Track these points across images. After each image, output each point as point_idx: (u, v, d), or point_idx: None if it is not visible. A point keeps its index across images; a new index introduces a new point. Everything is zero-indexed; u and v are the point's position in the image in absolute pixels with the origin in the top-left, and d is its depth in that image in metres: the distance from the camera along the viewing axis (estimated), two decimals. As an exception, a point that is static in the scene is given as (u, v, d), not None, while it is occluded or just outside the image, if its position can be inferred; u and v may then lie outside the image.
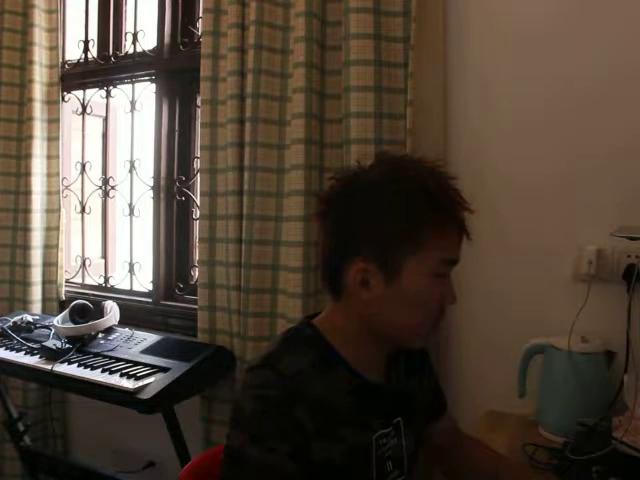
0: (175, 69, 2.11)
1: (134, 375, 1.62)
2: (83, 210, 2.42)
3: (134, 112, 2.26)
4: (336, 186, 0.90)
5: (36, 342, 1.89)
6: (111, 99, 2.35)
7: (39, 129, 2.23)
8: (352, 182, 0.89)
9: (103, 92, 2.34)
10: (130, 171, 2.27)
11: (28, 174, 2.23)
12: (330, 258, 0.90)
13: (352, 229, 0.86)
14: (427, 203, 0.83)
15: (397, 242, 0.83)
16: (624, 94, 1.37)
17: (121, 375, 1.63)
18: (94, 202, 2.43)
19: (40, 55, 2.22)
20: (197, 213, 2.00)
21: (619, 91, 1.38)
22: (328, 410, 0.83)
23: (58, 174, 2.30)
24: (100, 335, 1.92)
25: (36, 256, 2.25)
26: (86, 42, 2.35)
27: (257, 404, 0.80)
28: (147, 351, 1.80)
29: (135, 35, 2.21)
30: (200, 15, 1.99)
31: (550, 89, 1.45)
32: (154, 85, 2.15)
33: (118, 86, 2.31)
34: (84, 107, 2.39)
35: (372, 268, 0.84)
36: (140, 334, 1.93)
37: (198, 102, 1.99)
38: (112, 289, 2.36)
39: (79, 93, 2.40)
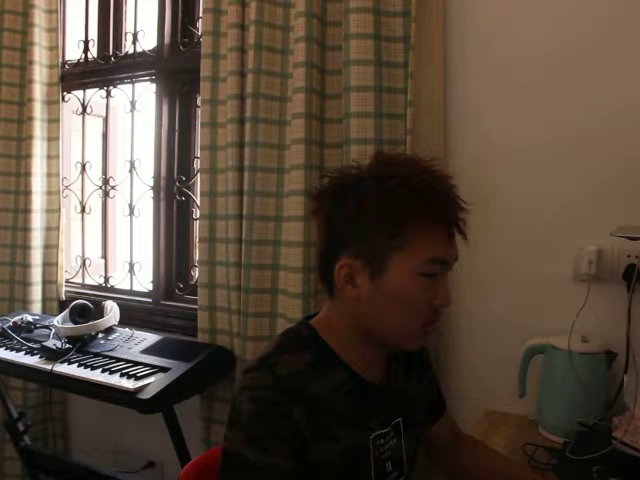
0: (175, 69, 2.11)
1: (134, 375, 1.62)
2: (83, 210, 2.42)
3: (134, 112, 2.26)
4: (326, 184, 0.90)
5: (36, 342, 1.89)
6: (111, 99, 2.35)
7: (39, 129, 2.23)
8: (341, 180, 0.89)
9: (103, 92, 2.34)
10: (130, 171, 2.27)
11: (28, 174, 2.23)
12: (322, 255, 0.91)
13: (339, 226, 0.87)
14: (414, 201, 0.83)
15: (381, 239, 0.83)
16: (628, 94, 1.37)
17: (121, 375, 1.63)
18: (94, 202, 2.43)
19: (40, 55, 2.22)
20: (197, 213, 2.00)
21: (621, 91, 1.38)
22: (325, 411, 0.83)
23: (58, 174, 2.30)
24: (100, 335, 1.92)
25: (36, 256, 2.25)
26: (86, 42, 2.35)
27: (254, 405, 0.80)
28: (147, 351, 1.80)
29: (135, 35, 2.21)
30: (200, 15, 1.99)
31: (552, 91, 1.45)
32: (154, 85, 2.15)
33: (118, 86, 2.31)
34: (84, 107, 2.39)
35: (357, 265, 0.85)
36: (140, 334, 1.93)
37: (198, 102, 1.99)
38: (112, 289, 2.36)
39: (79, 93, 2.40)
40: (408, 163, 0.90)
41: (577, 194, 1.43)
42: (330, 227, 0.89)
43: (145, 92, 2.24)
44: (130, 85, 2.26)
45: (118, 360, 1.75)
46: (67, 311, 2.00)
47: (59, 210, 2.31)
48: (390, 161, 0.90)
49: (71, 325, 1.93)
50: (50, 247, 2.30)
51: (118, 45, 2.31)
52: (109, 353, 1.80)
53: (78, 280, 2.46)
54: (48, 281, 2.30)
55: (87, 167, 2.41)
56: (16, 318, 2.04)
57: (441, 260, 0.86)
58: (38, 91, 2.22)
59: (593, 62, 1.40)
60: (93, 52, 2.34)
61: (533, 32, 1.47)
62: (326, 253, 0.89)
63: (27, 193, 2.23)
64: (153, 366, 1.69)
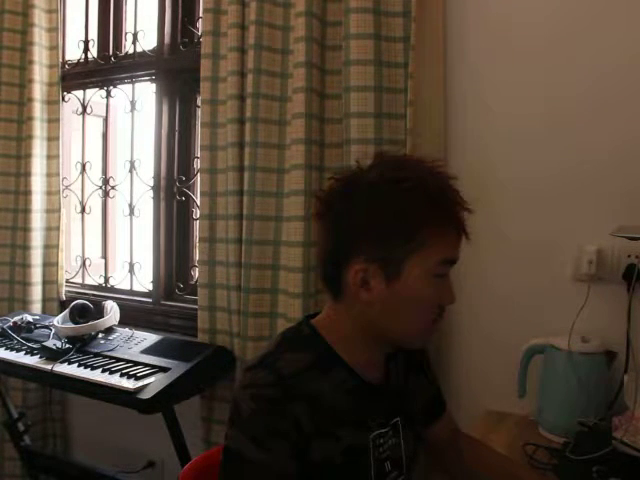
0: (175, 69, 2.11)
1: (134, 375, 1.62)
2: (83, 210, 2.42)
3: (134, 112, 2.26)
4: (335, 186, 0.90)
5: (36, 342, 1.89)
6: (111, 99, 2.35)
7: (39, 129, 2.23)
8: (351, 182, 0.88)
9: (103, 92, 2.34)
10: (130, 171, 2.27)
11: (28, 174, 2.23)
12: (329, 258, 0.90)
13: (352, 230, 0.86)
14: (427, 203, 0.83)
15: (398, 243, 0.83)
16: (625, 93, 1.37)
17: (121, 375, 1.63)
18: (94, 202, 2.43)
19: (40, 55, 2.22)
20: (197, 213, 2.00)
21: (619, 90, 1.38)
22: (326, 409, 0.84)
23: (58, 174, 2.30)
24: (100, 335, 1.92)
25: (36, 256, 2.25)
26: (86, 42, 2.35)
27: (255, 404, 0.80)
28: (147, 351, 1.80)
29: (135, 35, 2.21)
30: (200, 15, 1.99)
31: (550, 89, 1.45)
32: (154, 85, 2.15)
33: (118, 86, 2.31)
34: (84, 107, 2.39)
35: (372, 268, 0.84)
36: (140, 334, 1.93)
37: (198, 102, 2.00)
38: (112, 289, 2.36)
39: (79, 93, 2.40)
40: (417, 165, 0.90)
41: (577, 194, 1.43)
42: (341, 230, 0.87)
43: (145, 92, 2.24)
44: (130, 85, 2.26)
45: (118, 360, 1.75)
46: (67, 311, 2.00)
47: (59, 210, 2.30)
48: (398, 163, 0.91)
49: (71, 325, 1.93)
50: (50, 247, 2.30)
51: (118, 45, 2.31)
52: (109, 353, 1.80)
53: (78, 280, 2.46)
54: (48, 281, 2.30)
55: (87, 167, 2.41)
56: (16, 318, 2.04)
57: (452, 260, 0.87)
58: (38, 91, 2.22)
59: (597, 64, 1.41)
60: (93, 52, 2.34)
61: (534, 31, 1.47)
62: (336, 256, 0.88)
63: (27, 193, 2.23)
64: (153, 366, 1.69)
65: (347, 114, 1.54)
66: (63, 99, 2.34)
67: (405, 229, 0.83)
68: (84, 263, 2.44)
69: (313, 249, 1.60)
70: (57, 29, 2.25)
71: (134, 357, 1.76)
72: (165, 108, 2.12)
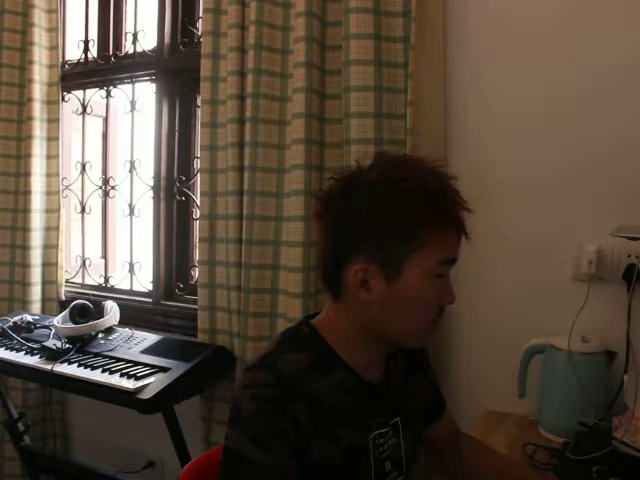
0: (175, 69, 2.11)
1: (134, 375, 1.62)
2: (83, 210, 2.42)
3: (134, 112, 2.26)
4: (335, 186, 0.90)
5: (36, 342, 1.89)
6: (111, 99, 2.35)
7: (39, 129, 2.23)
8: (351, 182, 0.88)
9: (103, 92, 2.34)
10: (130, 171, 2.27)
11: (28, 174, 2.23)
12: (329, 258, 0.90)
13: (352, 229, 0.86)
14: (427, 203, 0.83)
15: (398, 243, 0.83)
16: (625, 93, 1.37)
17: (121, 375, 1.63)
18: (94, 202, 2.43)
19: (40, 55, 2.22)
20: (197, 213, 2.00)
21: (619, 90, 1.38)
22: (326, 409, 0.84)
23: (58, 174, 2.30)
24: (100, 335, 1.92)
25: (36, 256, 2.25)
26: (86, 42, 2.35)
27: (255, 404, 0.80)
28: (147, 351, 1.80)
29: (135, 35, 2.21)
30: (200, 15, 1.99)
31: (550, 89, 1.45)
32: (154, 85, 2.15)
33: (118, 86, 2.31)
34: (84, 107, 2.39)
35: (372, 268, 0.84)
36: (140, 334, 1.93)
37: (198, 102, 2.00)
38: (112, 289, 2.36)
39: (79, 93, 2.40)
40: (417, 165, 0.90)
41: (577, 194, 1.43)
42: (341, 230, 0.87)
43: (145, 92, 2.24)
44: (130, 85, 2.26)
45: (118, 360, 1.75)
46: (67, 311, 2.00)
47: (59, 210, 2.30)
48: (398, 163, 0.91)
49: (71, 325, 1.93)
50: (50, 247, 2.30)
51: (118, 45, 2.31)
52: (109, 353, 1.80)
53: (78, 280, 2.45)
54: (48, 281, 2.30)
55: (87, 167, 2.41)
56: (16, 318, 2.04)
57: (452, 260, 0.87)
58: (38, 91, 2.22)
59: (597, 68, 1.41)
60: (93, 52, 2.34)
61: (534, 31, 1.47)
62: (336, 256, 0.88)
63: (27, 193, 2.23)
64: (153, 366, 1.69)
65: (347, 114, 1.54)
66: (63, 99, 2.34)
67: (405, 229, 0.83)
68: (84, 263, 2.44)
69: (313, 249, 1.60)
70: (57, 29, 2.24)
71: (134, 357, 1.76)
72: (165, 108, 2.12)
